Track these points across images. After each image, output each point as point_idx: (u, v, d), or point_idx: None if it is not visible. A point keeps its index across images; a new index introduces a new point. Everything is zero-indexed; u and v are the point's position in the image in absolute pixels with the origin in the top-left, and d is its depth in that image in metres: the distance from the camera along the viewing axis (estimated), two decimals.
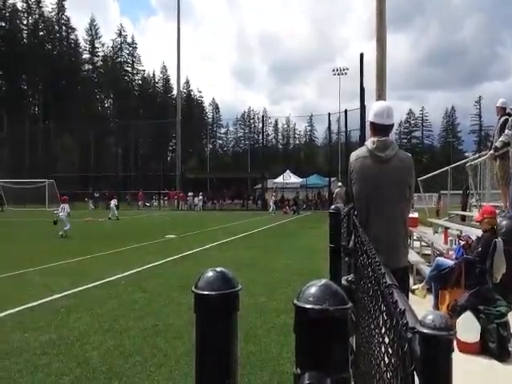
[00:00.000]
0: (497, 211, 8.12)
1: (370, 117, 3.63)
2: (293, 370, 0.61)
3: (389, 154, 3.45)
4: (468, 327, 5.04)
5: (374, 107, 3.69)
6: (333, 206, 3.71)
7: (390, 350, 0.97)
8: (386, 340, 1.02)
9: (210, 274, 0.74)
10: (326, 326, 0.59)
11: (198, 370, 0.73)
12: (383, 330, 1.10)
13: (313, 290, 0.62)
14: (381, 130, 3.54)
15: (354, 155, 3.67)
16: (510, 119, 7.98)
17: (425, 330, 0.62)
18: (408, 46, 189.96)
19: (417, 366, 0.65)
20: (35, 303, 7.16)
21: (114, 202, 31.12)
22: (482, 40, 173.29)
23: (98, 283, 8.69)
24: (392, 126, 3.66)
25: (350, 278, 3.52)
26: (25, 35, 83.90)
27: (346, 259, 3.99)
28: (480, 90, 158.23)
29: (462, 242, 6.98)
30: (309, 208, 44.88)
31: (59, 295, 7.70)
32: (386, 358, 1.03)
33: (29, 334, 5.67)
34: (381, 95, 19.20)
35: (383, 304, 1.09)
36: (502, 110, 8.31)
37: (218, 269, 0.75)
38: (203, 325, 0.73)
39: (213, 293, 0.72)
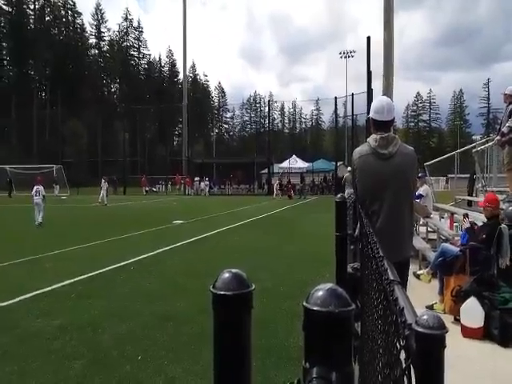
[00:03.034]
0: (503, 196, 8.17)
1: (370, 113, 3.68)
2: (302, 364, 0.69)
3: (392, 151, 3.49)
4: (472, 313, 5.12)
5: (374, 104, 3.73)
6: (339, 195, 3.77)
7: (390, 338, 1.04)
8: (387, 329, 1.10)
9: (226, 275, 0.81)
10: (332, 326, 0.67)
11: (216, 361, 0.81)
12: (385, 322, 1.18)
13: (320, 293, 0.70)
14: (381, 126, 3.59)
15: (356, 153, 3.71)
16: None
17: (419, 329, 0.70)
18: (422, 25, 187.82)
19: (413, 360, 0.73)
20: (47, 289, 7.31)
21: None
22: (498, 20, 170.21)
23: (107, 269, 8.83)
24: (393, 120, 3.70)
25: (355, 266, 3.60)
26: (31, 20, 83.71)
27: (352, 247, 4.06)
28: (494, 70, 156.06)
29: (466, 225, 7.03)
30: (315, 193, 44.91)
31: (70, 281, 7.84)
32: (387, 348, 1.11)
33: (41, 319, 5.81)
34: (388, 78, 19.17)
35: (385, 299, 1.17)
36: (510, 98, 8.27)
37: (234, 270, 0.82)
38: (220, 321, 0.80)
39: (229, 293, 0.79)
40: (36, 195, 16.66)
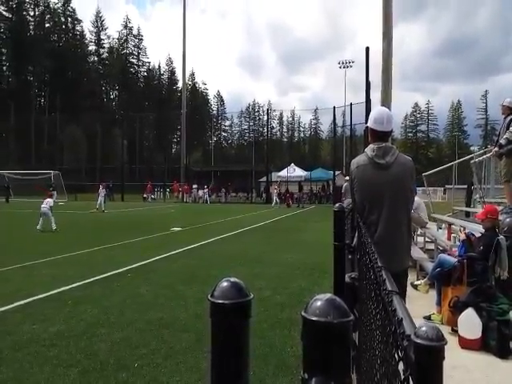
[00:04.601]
0: (501, 207, 8.18)
1: (369, 123, 3.68)
2: (300, 374, 0.69)
3: (389, 161, 3.50)
4: (470, 324, 5.11)
5: (373, 113, 3.73)
6: (337, 205, 3.78)
7: (388, 349, 1.04)
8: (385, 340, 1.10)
9: (225, 284, 0.81)
10: (330, 337, 0.67)
11: (213, 370, 0.80)
12: (383, 333, 1.17)
13: (319, 303, 0.70)
14: (380, 136, 3.60)
15: (354, 163, 3.72)
16: None
17: (418, 341, 0.70)
18: (420, 36, 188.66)
19: (411, 371, 0.73)
20: (43, 295, 7.27)
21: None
22: (496, 32, 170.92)
23: (104, 275, 8.80)
24: (391, 131, 3.73)
25: (353, 275, 3.60)
26: (31, 27, 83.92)
27: (350, 257, 4.06)
28: (493, 82, 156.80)
29: (462, 236, 7.03)
30: (313, 202, 44.92)
31: (67, 287, 7.81)
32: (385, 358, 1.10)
33: (38, 325, 5.78)
34: (386, 88, 19.20)
35: (383, 310, 1.17)
36: (509, 109, 8.30)
37: (232, 279, 0.82)
38: (219, 330, 0.80)
39: (227, 302, 0.78)
40: (44, 204, 17.18)
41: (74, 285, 7.99)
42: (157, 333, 5.57)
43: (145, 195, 47.84)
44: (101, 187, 30.58)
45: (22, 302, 6.83)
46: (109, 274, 8.98)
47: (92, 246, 12.41)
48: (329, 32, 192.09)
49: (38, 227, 16.55)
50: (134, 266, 9.82)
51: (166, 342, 5.24)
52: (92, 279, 8.47)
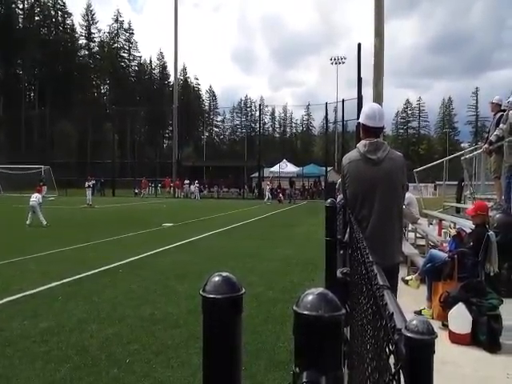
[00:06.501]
0: (491, 204, 8.24)
1: (361, 119, 3.70)
2: (292, 368, 0.69)
3: (381, 156, 3.52)
4: (460, 319, 5.15)
5: (365, 110, 3.75)
6: (329, 200, 3.78)
7: (379, 343, 1.05)
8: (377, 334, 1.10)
9: (217, 278, 0.81)
10: (321, 331, 0.67)
11: (205, 365, 0.80)
12: (374, 327, 1.18)
13: (310, 297, 0.70)
14: (372, 132, 3.62)
15: (346, 158, 3.73)
16: (504, 114, 8.06)
17: (409, 334, 0.71)
18: (413, 32, 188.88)
19: (402, 365, 0.74)
20: (34, 291, 7.24)
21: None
22: (490, 28, 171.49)
23: (95, 271, 8.77)
24: (383, 127, 3.75)
25: (345, 271, 3.60)
26: (21, 20, 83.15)
27: (341, 252, 4.07)
28: (485, 79, 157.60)
29: (452, 232, 7.08)
30: (305, 197, 44.99)
31: (57, 283, 7.77)
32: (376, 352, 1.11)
33: (28, 321, 5.75)
34: (378, 84, 19.25)
35: (374, 304, 1.17)
36: (498, 107, 8.39)
37: (224, 273, 0.82)
38: (211, 325, 0.79)
39: (219, 296, 0.78)
40: (33, 198, 16.97)
41: (64, 280, 7.95)
42: (148, 328, 5.57)
43: (136, 190, 47.76)
44: (87, 181, 30.70)
45: (11, 298, 6.80)
46: (100, 269, 8.95)
47: (83, 242, 12.35)
48: (323, 28, 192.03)
49: (27, 222, 16.46)
50: (125, 261, 9.79)
51: (157, 338, 5.24)
52: (83, 275, 8.44)
